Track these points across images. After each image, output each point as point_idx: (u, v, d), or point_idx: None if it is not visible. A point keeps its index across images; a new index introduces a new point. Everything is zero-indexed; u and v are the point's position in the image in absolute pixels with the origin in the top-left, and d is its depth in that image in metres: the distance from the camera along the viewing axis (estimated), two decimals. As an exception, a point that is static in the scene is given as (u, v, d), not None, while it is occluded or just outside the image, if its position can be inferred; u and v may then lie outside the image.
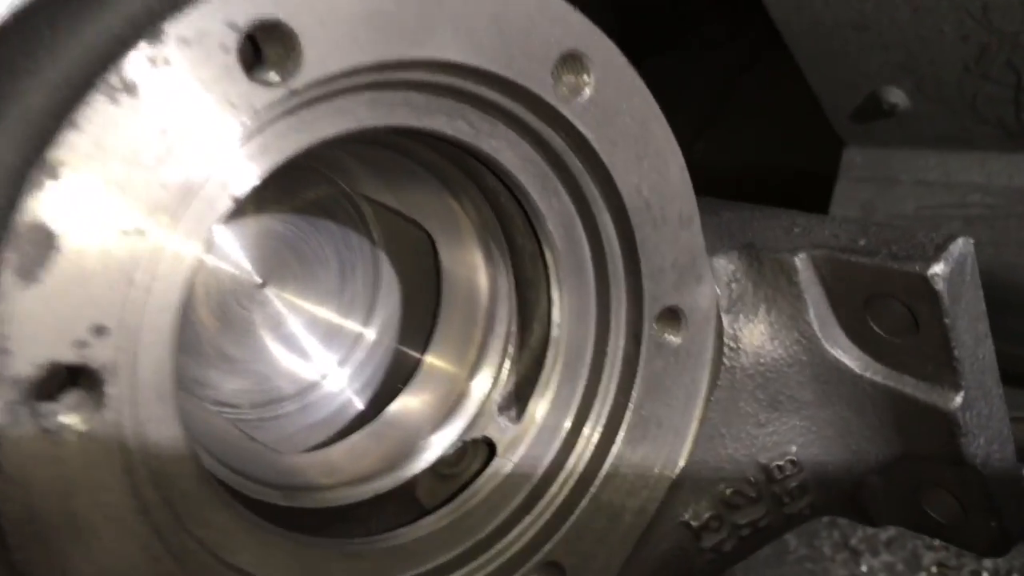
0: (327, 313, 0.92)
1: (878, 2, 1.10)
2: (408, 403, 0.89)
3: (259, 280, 0.89)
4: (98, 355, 0.53)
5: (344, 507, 0.81)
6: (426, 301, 0.90)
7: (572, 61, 0.68)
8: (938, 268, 0.69)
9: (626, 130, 0.72)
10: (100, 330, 0.53)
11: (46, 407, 0.52)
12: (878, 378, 0.77)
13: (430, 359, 0.90)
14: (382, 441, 0.86)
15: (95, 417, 0.54)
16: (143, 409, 0.58)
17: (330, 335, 0.92)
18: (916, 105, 1.17)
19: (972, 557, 1.14)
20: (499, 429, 0.84)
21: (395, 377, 0.91)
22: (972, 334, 0.72)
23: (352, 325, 0.92)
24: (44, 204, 0.50)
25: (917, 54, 1.10)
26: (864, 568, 1.15)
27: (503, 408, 0.85)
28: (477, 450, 0.86)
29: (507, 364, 0.86)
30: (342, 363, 0.92)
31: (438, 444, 0.85)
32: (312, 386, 0.91)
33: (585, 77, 0.69)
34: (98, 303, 0.52)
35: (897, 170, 1.28)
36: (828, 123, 1.30)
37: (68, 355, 0.52)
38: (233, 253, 0.87)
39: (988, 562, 1.14)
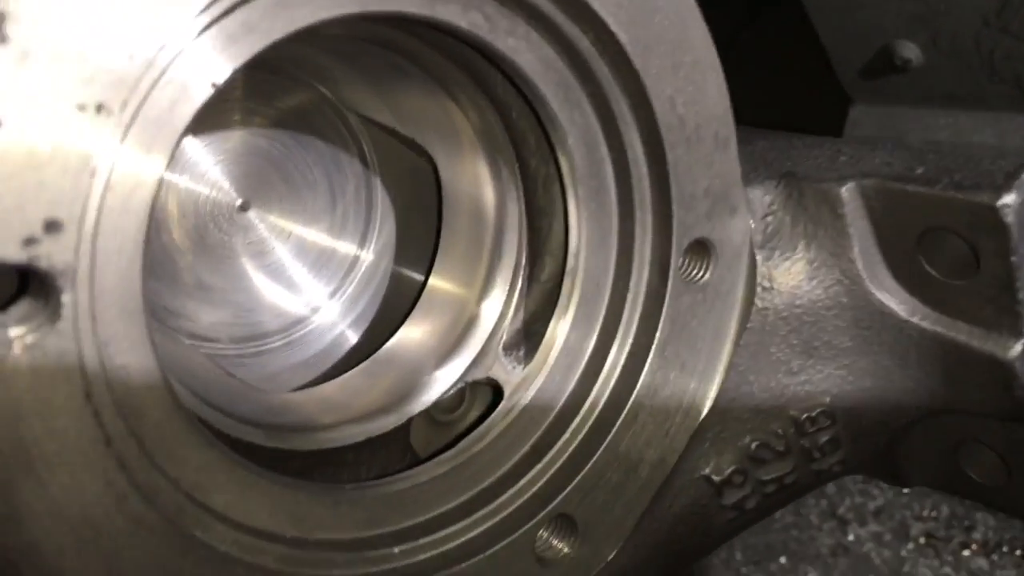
0: (317, 237, 0.84)
1: None
2: (410, 334, 0.81)
3: (240, 201, 0.81)
4: (51, 255, 0.45)
5: (333, 450, 0.74)
6: (427, 220, 0.82)
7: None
8: (1009, 198, 0.61)
9: (662, 33, 0.64)
10: (53, 225, 0.45)
11: None
12: (926, 324, 0.71)
13: (434, 282, 0.82)
14: (379, 378, 0.79)
15: (48, 331, 0.47)
16: (106, 327, 0.50)
17: (320, 262, 0.84)
18: (930, 60, 1.11)
19: (961, 528, 1.12)
20: (506, 370, 0.77)
21: (395, 306, 0.83)
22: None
23: (345, 249, 0.84)
24: None
25: (935, 5, 1.05)
26: (851, 537, 1.12)
27: (511, 347, 0.77)
28: (477, 395, 0.79)
29: (516, 297, 0.78)
30: (334, 294, 0.84)
31: (442, 381, 0.77)
32: (300, 320, 0.84)
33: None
34: (50, 193, 0.44)
35: (906, 129, 1.22)
36: (831, 82, 1.24)
37: (16, 254, 0.44)
38: (210, 171, 0.79)
39: (977, 533, 1.11)
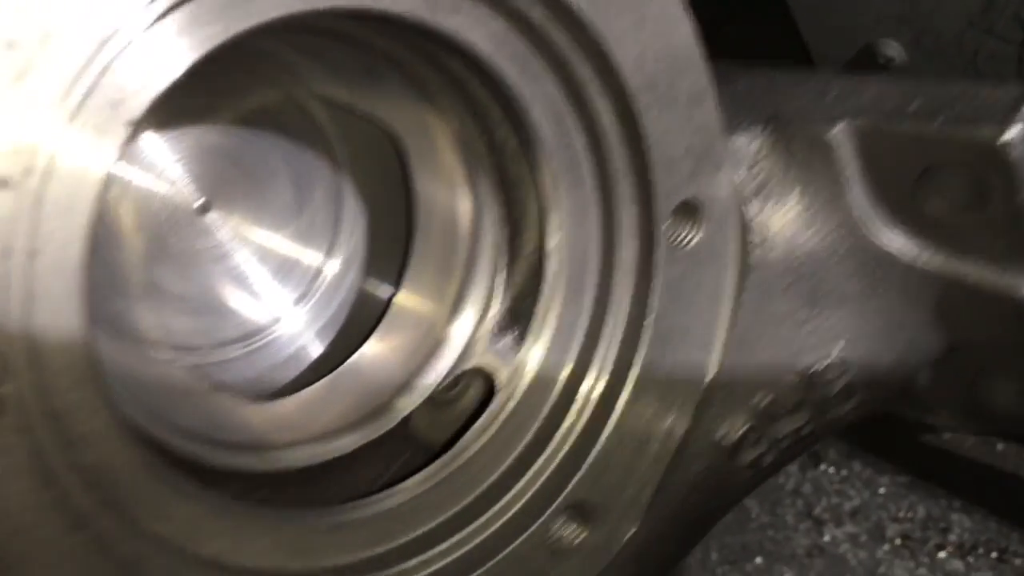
0: (281, 243, 0.79)
1: None
2: (376, 348, 0.77)
3: (201, 202, 0.76)
4: None
5: (310, 469, 0.71)
6: (397, 225, 0.78)
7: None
8: (1013, 132, 0.56)
9: (621, -13, 0.58)
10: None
11: None
12: (934, 264, 0.66)
13: (404, 294, 0.78)
14: (343, 393, 0.75)
15: None
16: (60, 397, 0.47)
17: (285, 268, 0.80)
18: (913, 60, 1.07)
19: (937, 530, 1.12)
20: (497, 360, 0.73)
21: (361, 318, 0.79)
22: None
23: (311, 257, 0.80)
24: None
25: (919, 5, 1.00)
26: (827, 538, 1.11)
27: (498, 335, 0.74)
28: (472, 380, 0.75)
29: (499, 284, 0.74)
30: (299, 301, 0.80)
31: (419, 390, 0.74)
32: (263, 329, 0.80)
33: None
34: None
35: None
36: None
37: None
38: (168, 170, 0.74)
39: (953, 535, 1.11)
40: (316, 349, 0.79)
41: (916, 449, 1.17)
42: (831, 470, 1.18)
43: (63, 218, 0.45)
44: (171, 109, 0.68)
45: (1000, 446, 1.14)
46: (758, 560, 1.07)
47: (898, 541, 1.10)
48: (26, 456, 0.45)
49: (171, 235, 0.75)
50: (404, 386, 0.74)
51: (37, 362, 0.45)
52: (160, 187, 0.73)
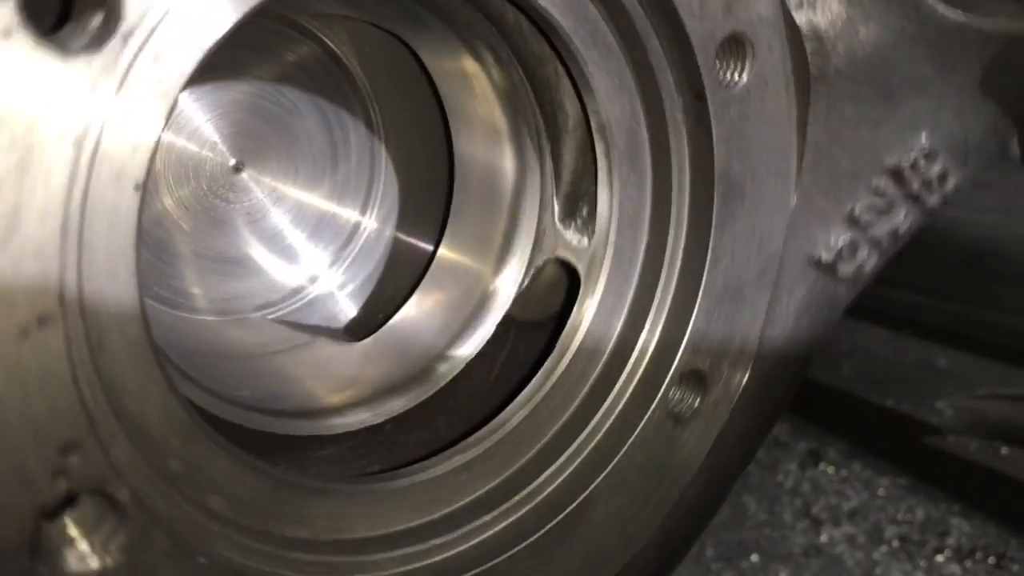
0: (316, 201, 0.76)
1: None
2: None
3: (234, 161, 0.73)
4: None
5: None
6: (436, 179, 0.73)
7: None
8: None
9: None
10: None
11: None
12: (1011, 26, 0.59)
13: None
14: (389, 353, 0.73)
15: None
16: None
17: (321, 227, 0.77)
18: None
19: (935, 533, 1.08)
20: (572, 245, 0.71)
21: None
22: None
23: (347, 215, 0.77)
24: None
25: None
26: (824, 538, 1.08)
27: (567, 217, 0.71)
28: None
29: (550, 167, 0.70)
30: (334, 263, 0.78)
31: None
32: (298, 291, 0.78)
33: None
34: None
35: None
36: None
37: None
38: (201, 129, 0.71)
39: (951, 539, 1.07)
40: (353, 308, 0.78)
41: (917, 451, 1.15)
42: (831, 470, 1.17)
43: (115, 188, 0.43)
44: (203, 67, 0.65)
45: (1004, 450, 1.10)
46: (754, 558, 1.05)
47: (896, 543, 1.08)
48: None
49: (207, 196, 0.73)
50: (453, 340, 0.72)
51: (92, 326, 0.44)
52: (193, 147, 0.71)
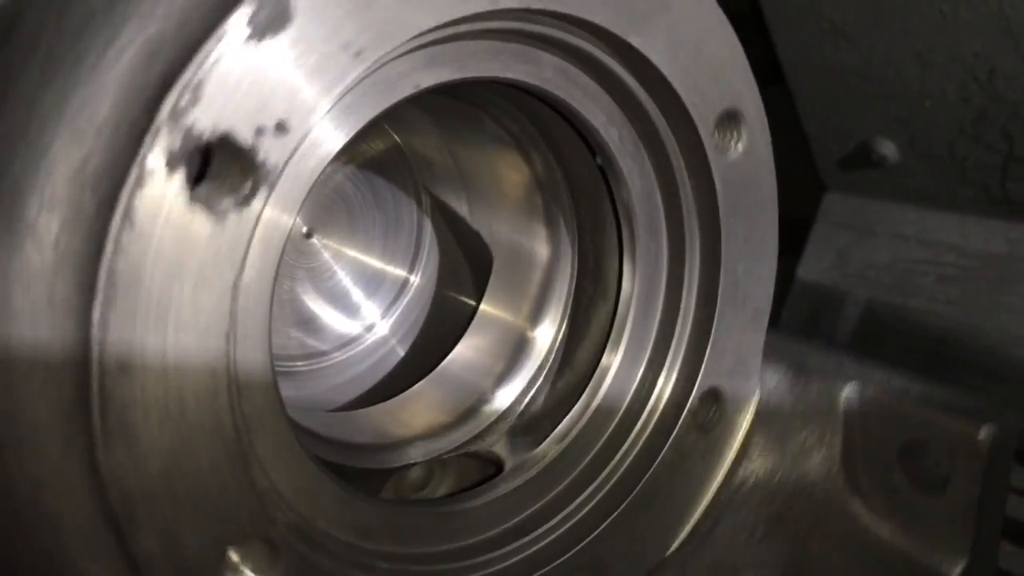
0: (371, 262, 0.90)
1: (888, 53, 1.06)
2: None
3: (305, 229, 0.87)
4: (269, 149, 0.49)
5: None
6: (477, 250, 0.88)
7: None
8: (987, 431, 0.67)
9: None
10: (282, 127, 0.49)
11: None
12: (885, 533, 0.75)
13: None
14: (442, 392, 0.84)
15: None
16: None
17: (375, 284, 0.90)
18: (905, 160, 1.14)
19: None
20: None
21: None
22: (996, 503, 0.71)
23: (396, 274, 0.90)
24: None
25: (915, 109, 1.08)
26: None
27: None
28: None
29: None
30: (386, 312, 0.90)
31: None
32: (357, 338, 0.90)
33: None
34: (293, 95, 0.49)
35: (875, 221, 1.26)
36: (807, 167, 1.28)
37: (247, 135, 0.48)
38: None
39: None
40: (401, 353, 0.90)
41: None
42: None
43: (264, 256, 0.53)
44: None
45: None
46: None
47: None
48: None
49: (287, 257, 0.85)
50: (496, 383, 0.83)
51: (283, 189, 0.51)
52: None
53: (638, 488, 0.75)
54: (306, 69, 0.48)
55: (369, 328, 0.91)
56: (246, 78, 0.46)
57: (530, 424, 0.82)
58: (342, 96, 0.50)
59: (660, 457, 0.75)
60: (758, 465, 0.79)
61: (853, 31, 1.01)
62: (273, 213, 0.51)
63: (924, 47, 1.00)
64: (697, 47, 0.65)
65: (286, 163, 0.50)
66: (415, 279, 0.91)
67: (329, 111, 0.51)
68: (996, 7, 0.93)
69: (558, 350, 0.83)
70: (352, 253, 0.89)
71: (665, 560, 0.77)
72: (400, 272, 0.91)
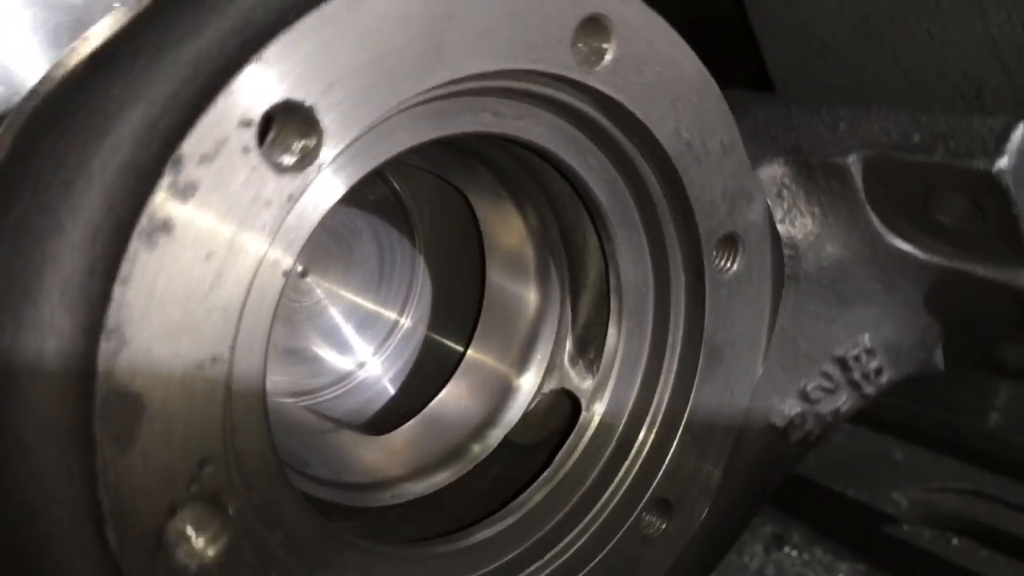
0: (364, 302, 0.92)
1: (876, 71, 1.04)
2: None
3: (301, 268, 0.88)
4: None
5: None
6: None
7: (591, 25, 0.63)
8: (1003, 163, 0.66)
9: (656, 79, 0.68)
10: None
11: None
12: (945, 261, 0.77)
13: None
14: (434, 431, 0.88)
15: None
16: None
17: (367, 323, 0.93)
18: None
19: None
20: (577, 379, 0.85)
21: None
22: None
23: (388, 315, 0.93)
24: None
25: None
26: None
27: (575, 358, 0.86)
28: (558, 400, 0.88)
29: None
30: (377, 351, 0.94)
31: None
32: (350, 373, 0.93)
33: (606, 41, 0.64)
34: None
35: None
36: None
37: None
38: None
39: None
40: (391, 391, 0.93)
41: (875, 538, 1.23)
42: (794, 553, 1.23)
43: (260, 302, 0.55)
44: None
45: (955, 540, 1.20)
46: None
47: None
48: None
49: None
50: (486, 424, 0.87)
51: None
52: None
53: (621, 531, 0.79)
54: None
55: (360, 366, 0.94)
56: None
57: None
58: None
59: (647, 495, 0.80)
60: (801, 263, 0.82)
61: (842, 50, 1.02)
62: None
63: (912, 66, 1.01)
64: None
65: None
66: (405, 320, 0.94)
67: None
68: (983, 28, 0.94)
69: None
70: (346, 294, 0.91)
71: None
72: (391, 313, 0.94)
